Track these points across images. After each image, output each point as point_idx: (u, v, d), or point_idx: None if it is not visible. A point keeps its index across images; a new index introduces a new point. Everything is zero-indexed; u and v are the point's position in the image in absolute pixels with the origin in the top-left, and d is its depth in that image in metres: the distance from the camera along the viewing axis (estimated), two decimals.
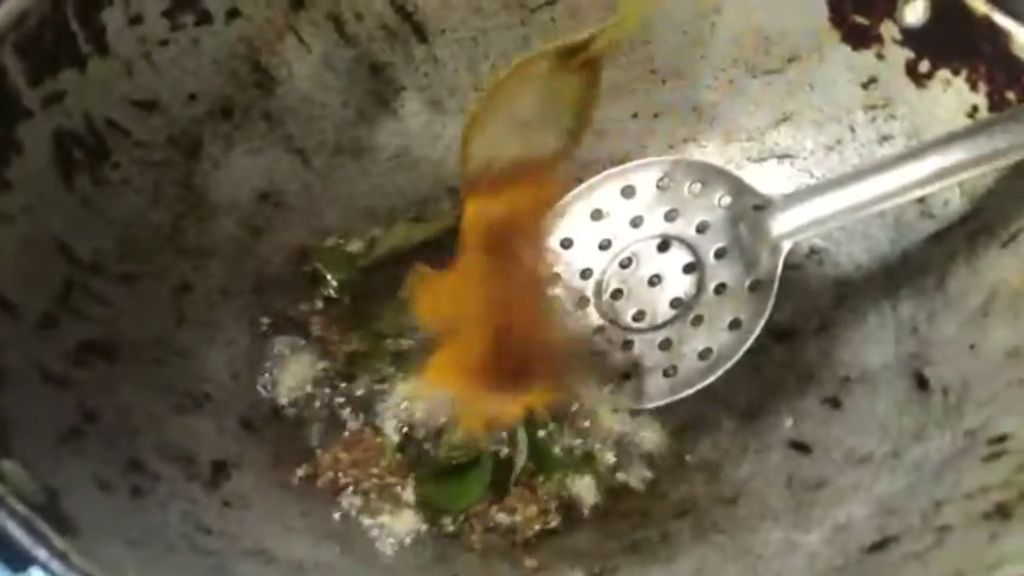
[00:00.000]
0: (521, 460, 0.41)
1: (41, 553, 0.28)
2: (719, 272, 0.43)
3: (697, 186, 0.45)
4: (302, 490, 0.40)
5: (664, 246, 0.45)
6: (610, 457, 0.42)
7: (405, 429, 0.42)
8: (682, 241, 0.44)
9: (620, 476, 0.42)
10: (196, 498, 0.36)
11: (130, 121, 0.41)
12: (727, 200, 0.44)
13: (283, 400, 0.43)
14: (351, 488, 0.40)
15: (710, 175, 0.45)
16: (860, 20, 0.45)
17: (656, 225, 0.45)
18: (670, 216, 0.45)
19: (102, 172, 0.40)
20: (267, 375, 0.43)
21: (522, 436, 0.41)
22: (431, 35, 0.48)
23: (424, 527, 0.40)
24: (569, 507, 0.41)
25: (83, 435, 0.34)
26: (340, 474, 0.41)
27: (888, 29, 0.44)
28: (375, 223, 0.48)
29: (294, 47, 0.46)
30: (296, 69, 0.46)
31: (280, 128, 0.46)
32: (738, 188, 0.44)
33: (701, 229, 0.44)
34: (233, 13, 0.44)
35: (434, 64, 0.49)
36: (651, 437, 0.42)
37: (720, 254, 0.43)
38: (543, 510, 0.41)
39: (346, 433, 0.42)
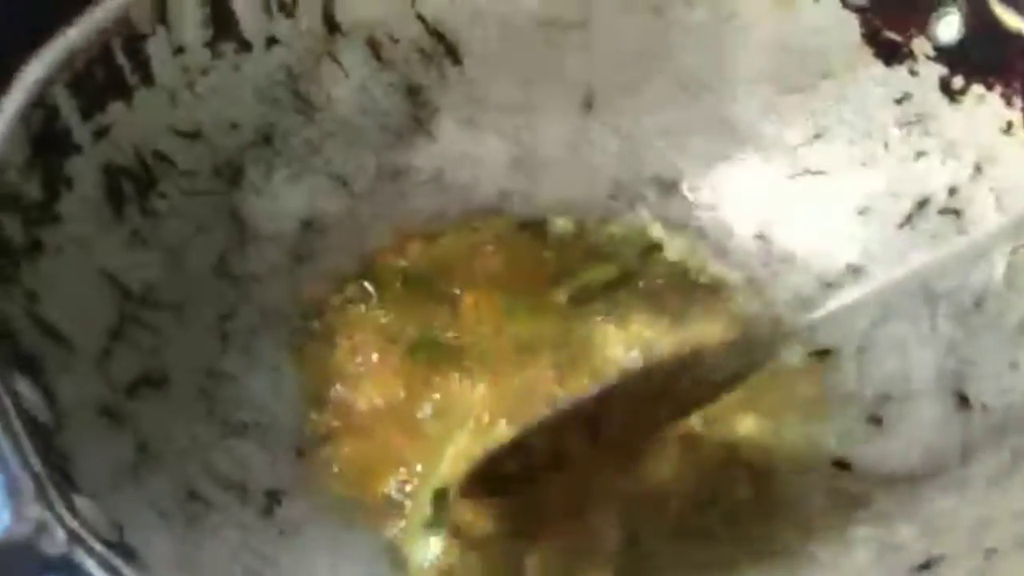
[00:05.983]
0: None
1: None
2: None
3: None
4: (350, 515, 0.40)
5: None
6: None
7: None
8: None
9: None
10: (250, 525, 0.37)
11: (175, 151, 0.42)
12: None
13: None
14: None
15: None
16: (892, 37, 0.45)
17: None
18: None
19: (150, 203, 0.41)
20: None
21: None
22: (465, 56, 0.49)
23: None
24: None
25: (140, 467, 0.35)
26: None
27: (921, 45, 0.44)
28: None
29: (332, 73, 0.46)
30: (335, 94, 0.47)
31: (320, 154, 0.47)
32: None
33: None
34: (272, 41, 0.44)
35: (468, 85, 0.49)
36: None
37: None
38: None
39: None
